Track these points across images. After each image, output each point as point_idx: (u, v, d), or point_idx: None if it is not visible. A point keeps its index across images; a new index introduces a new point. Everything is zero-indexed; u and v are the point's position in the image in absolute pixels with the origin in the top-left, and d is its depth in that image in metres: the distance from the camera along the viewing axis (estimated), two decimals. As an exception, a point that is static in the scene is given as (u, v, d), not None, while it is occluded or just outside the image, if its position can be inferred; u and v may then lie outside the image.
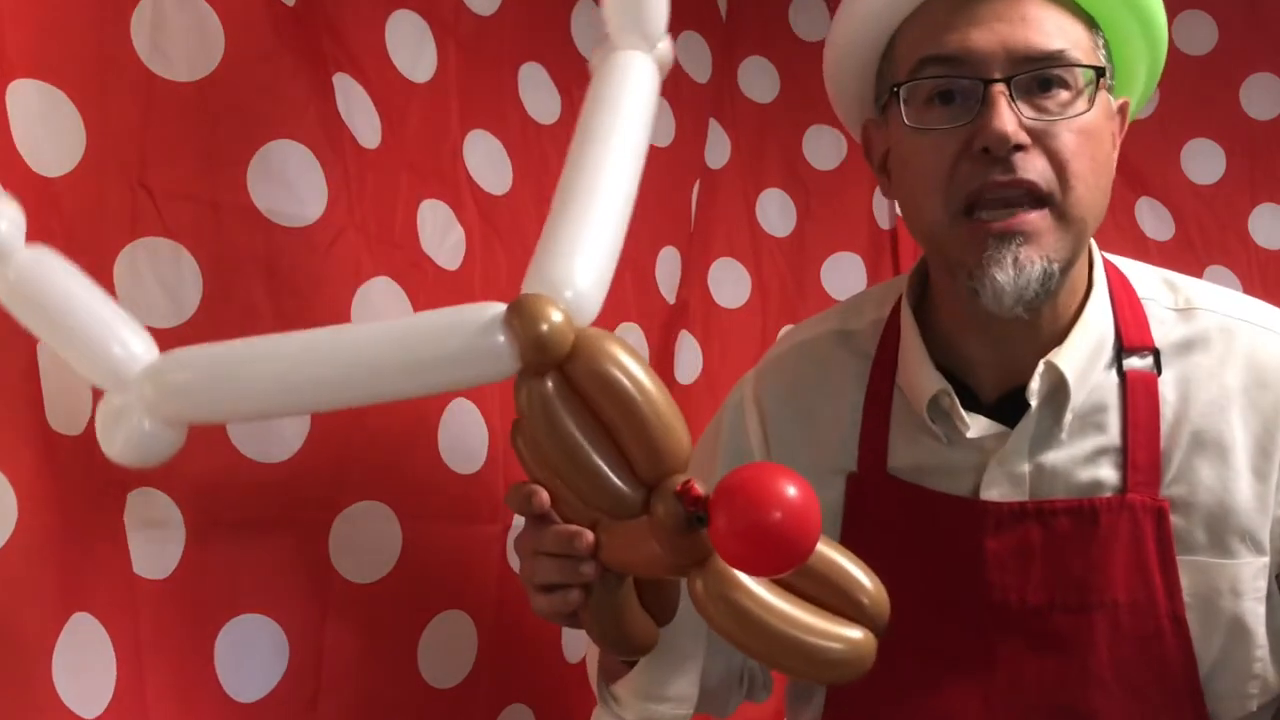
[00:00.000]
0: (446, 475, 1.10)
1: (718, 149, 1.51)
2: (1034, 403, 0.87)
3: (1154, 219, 1.58)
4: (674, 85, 1.42)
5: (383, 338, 0.67)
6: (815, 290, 1.55)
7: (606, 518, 0.74)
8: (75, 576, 0.83)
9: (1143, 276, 0.94)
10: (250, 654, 0.97)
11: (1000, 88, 0.80)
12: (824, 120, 1.57)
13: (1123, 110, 0.90)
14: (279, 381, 0.67)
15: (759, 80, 1.56)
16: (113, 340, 0.67)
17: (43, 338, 0.69)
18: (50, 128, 0.86)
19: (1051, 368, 0.87)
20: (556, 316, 0.64)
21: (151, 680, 0.90)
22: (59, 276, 0.67)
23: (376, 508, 1.04)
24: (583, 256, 0.67)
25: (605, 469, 0.66)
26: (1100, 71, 0.83)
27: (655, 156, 1.36)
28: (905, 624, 0.88)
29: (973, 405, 0.90)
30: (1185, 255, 1.54)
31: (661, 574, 0.73)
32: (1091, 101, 0.83)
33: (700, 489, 0.64)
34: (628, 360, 0.65)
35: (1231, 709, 0.87)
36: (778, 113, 1.56)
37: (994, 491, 0.88)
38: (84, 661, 0.83)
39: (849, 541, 0.89)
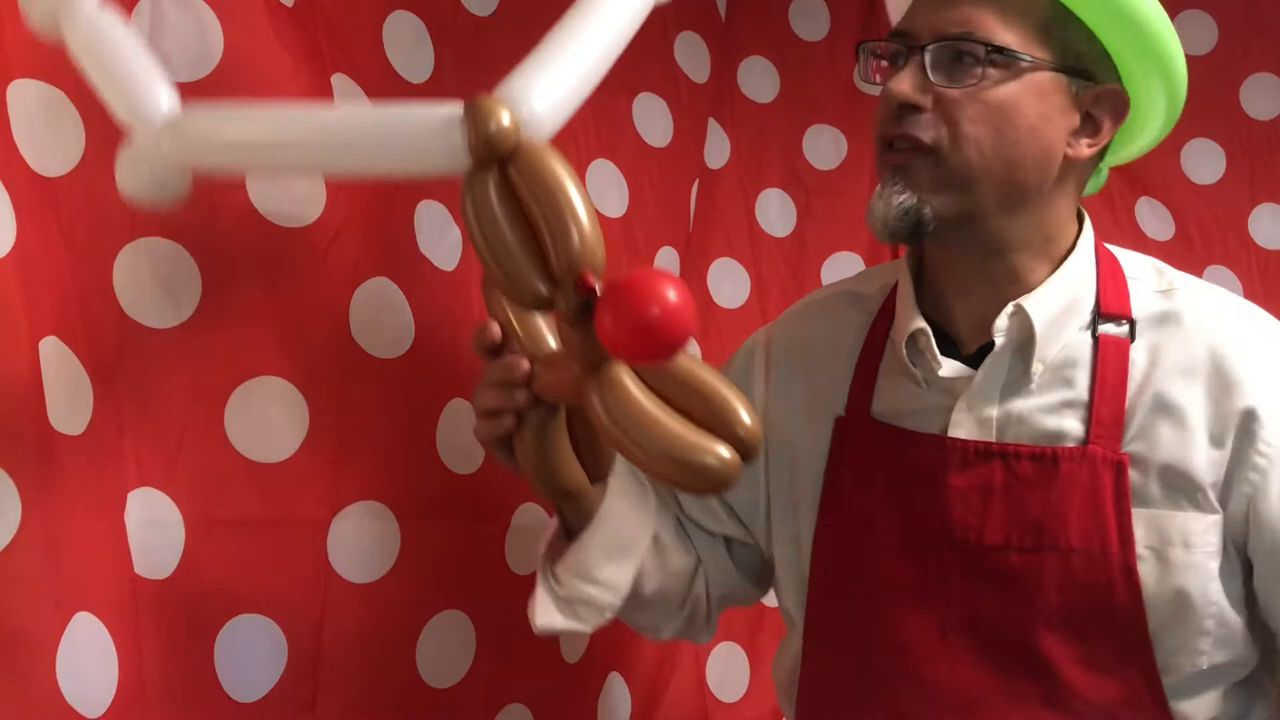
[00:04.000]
0: (445, 475, 1.10)
1: (717, 149, 1.51)
2: (999, 340, 0.93)
3: (1154, 219, 1.58)
4: (673, 85, 1.42)
5: (359, 118, 0.79)
6: (815, 290, 1.55)
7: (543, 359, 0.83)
8: (78, 576, 0.83)
9: (1133, 260, 1.00)
10: (250, 654, 0.97)
11: (917, 55, 0.91)
12: (824, 120, 1.57)
13: (1102, 96, 0.93)
14: (269, 144, 0.79)
15: (759, 80, 1.56)
16: (146, 91, 0.77)
17: (93, 82, 0.78)
18: (50, 128, 0.86)
19: (1020, 310, 0.93)
20: (505, 118, 0.72)
21: (152, 680, 0.90)
22: (117, 33, 0.78)
23: (375, 508, 1.04)
24: (547, 83, 0.77)
25: (524, 259, 0.74)
26: (995, 48, 0.89)
27: (654, 156, 1.38)
28: (875, 559, 0.96)
29: (953, 354, 0.96)
30: (1185, 255, 1.54)
31: (576, 396, 0.79)
32: (1006, 77, 0.90)
33: (594, 282, 0.72)
34: (560, 168, 0.73)
35: (1182, 663, 0.90)
36: (777, 113, 1.56)
37: (961, 431, 0.94)
38: (87, 661, 0.83)
39: (832, 479, 0.99)
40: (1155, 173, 1.56)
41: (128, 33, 0.78)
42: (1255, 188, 1.57)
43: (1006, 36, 0.90)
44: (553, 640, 1.20)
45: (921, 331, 0.96)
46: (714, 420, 0.73)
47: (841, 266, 1.56)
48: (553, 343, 0.88)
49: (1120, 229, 1.55)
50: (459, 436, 1.11)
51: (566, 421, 0.87)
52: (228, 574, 0.96)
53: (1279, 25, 1.57)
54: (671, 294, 0.68)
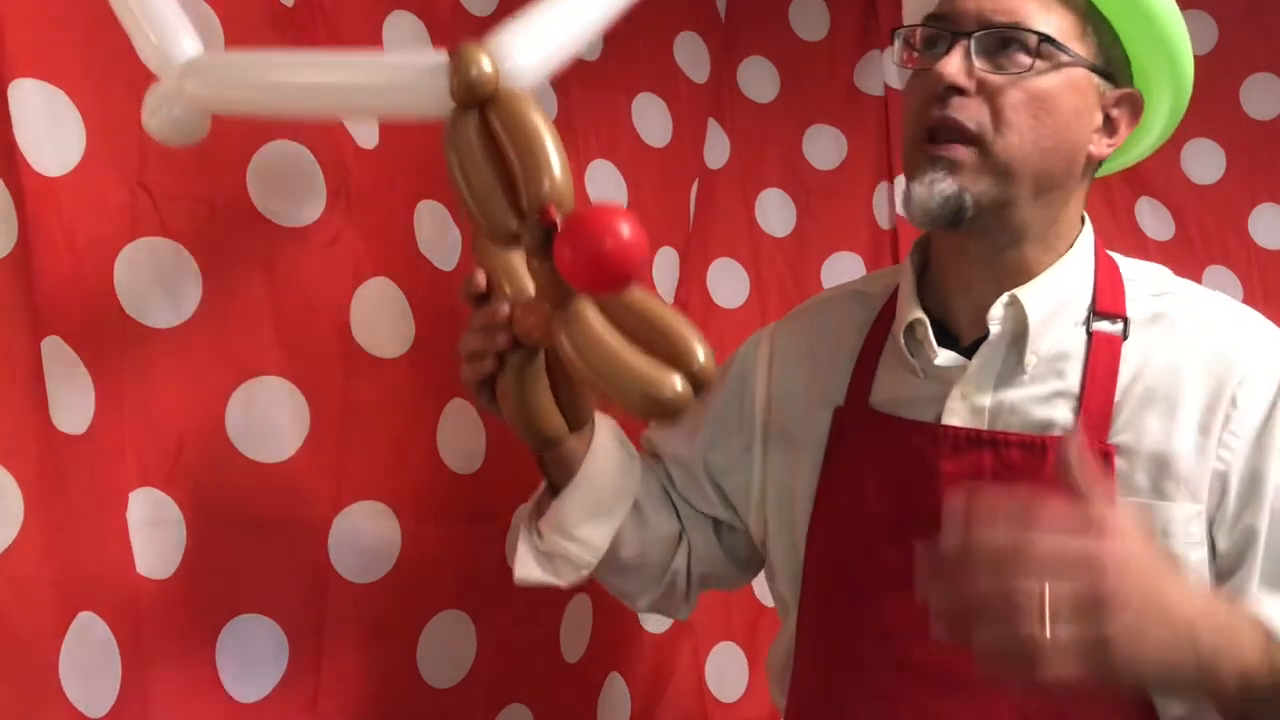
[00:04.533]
0: (446, 475, 1.10)
1: (717, 149, 1.51)
2: (994, 329, 0.95)
3: (1154, 219, 1.58)
4: (673, 85, 1.42)
5: (355, 63, 0.84)
6: (815, 290, 1.54)
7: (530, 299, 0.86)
8: (80, 576, 0.83)
9: (1133, 265, 1.02)
10: (251, 654, 0.97)
11: (964, 40, 0.92)
12: (824, 120, 1.57)
13: (1122, 101, 0.96)
14: (275, 88, 0.84)
15: (758, 80, 1.56)
16: (172, 38, 0.83)
17: (127, 29, 0.84)
18: (50, 128, 0.86)
19: (1015, 300, 0.95)
20: (487, 65, 0.78)
21: (154, 680, 0.90)
22: None
23: (376, 508, 1.05)
24: (532, 40, 0.82)
25: (497, 195, 0.78)
26: (1046, 38, 0.92)
27: (654, 157, 1.38)
28: (867, 546, 0.97)
29: (952, 347, 0.98)
30: (1185, 255, 1.54)
31: (549, 338, 0.83)
32: (1048, 69, 0.92)
33: (555, 215, 0.76)
34: (536, 114, 0.78)
35: None
36: (777, 113, 1.56)
37: (955, 419, 0.96)
38: (90, 661, 0.83)
39: (829, 467, 1.01)
40: (1155, 173, 1.56)
41: None
42: (1255, 188, 1.57)
43: (1050, 29, 0.92)
44: (553, 640, 1.21)
45: (919, 321, 0.98)
46: (672, 354, 0.77)
47: (841, 266, 1.56)
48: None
49: (1120, 229, 1.55)
50: (460, 436, 1.11)
51: (547, 370, 0.91)
52: (229, 574, 0.96)
53: (1279, 25, 1.57)
54: (625, 228, 0.73)
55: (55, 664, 0.79)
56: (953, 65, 0.91)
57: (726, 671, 1.41)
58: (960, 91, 0.91)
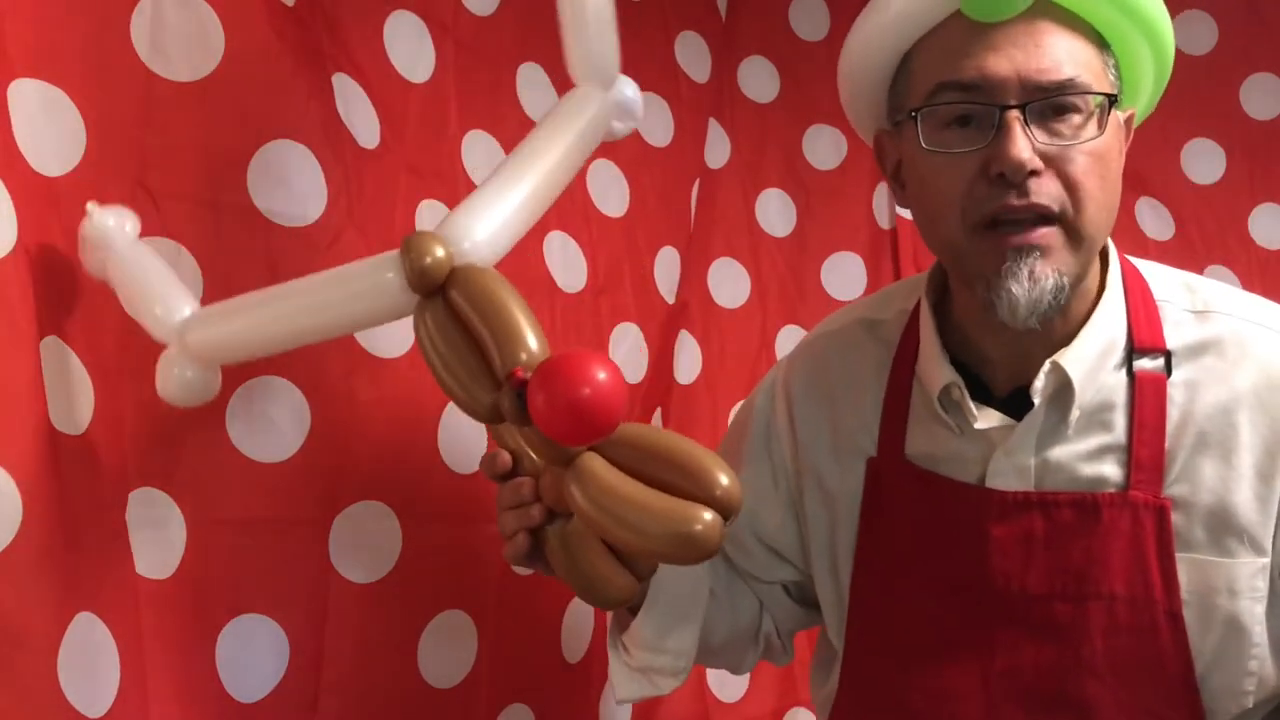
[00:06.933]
0: (446, 475, 1.10)
1: (717, 149, 1.51)
2: (1037, 401, 0.89)
3: (1154, 219, 1.58)
4: (674, 85, 1.42)
5: (317, 284, 0.85)
6: (815, 290, 1.55)
7: (557, 467, 0.82)
8: (79, 576, 0.83)
9: (1161, 279, 0.96)
10: (251, 654, 0.97)
11: (1015, 114, 0.83)
12: (824, 120, 1.57)
13: (1128, 122, 0.93)
14: (261, 328, 0.85)
15: (759, 80, 1.56)
16: (171, 305, 0.85)
17: (130, 305, 0.86)
18: (50, 128, 0.86)
19: (1057, 368, 0.89)
20: (439, 252, 0.77)
21: (153, 680, 0.90)
22: (148, 261, 0.86)
23: (376, 508, 1.04)
24: (486, 216, 0.82)
25: (474, 373, 0.76)
26: (1112, 98, 0.86)
27: (655, 156, 1.38)
28: (914, 604, 0.94)
29: (985, 397, 0.93)
30: (1185, 255, 1.54)
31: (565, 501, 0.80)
32: (1102, 125, 0.85)
33: (523, 373, 0.74)
34: (497, 285, 0.77)
35: (1228, 705, 0.89)
36: (777, 112, 1.56)
37: (999, 481, 0.91)
38: (88, 661, 0.83)
39: (867, 522, 0.98)
40: (1155, 173, 1.56)
41: (156, 260, 0.87)
42: (1255, 188, 1.57)
43: (1090, 76, 0.85)
44: (554, 640, 1.20)
45: (955, 386, 0.92)
46: (691, 485, 0.74)
47: (841, 266, 1.56)
48: None
49: (1120, 229, 1.52)
50: (460, 436, 1.11)
51: None
52: (229, 574, 0.95)
53: (1279, 25, 1.57)
54: (601, 374, 0.69)
55: (54, 664, 0.79)
56: (1025, 150, 0.82)
57: (727, 672, 1.41)
58: (1035, 173, 0.83)
